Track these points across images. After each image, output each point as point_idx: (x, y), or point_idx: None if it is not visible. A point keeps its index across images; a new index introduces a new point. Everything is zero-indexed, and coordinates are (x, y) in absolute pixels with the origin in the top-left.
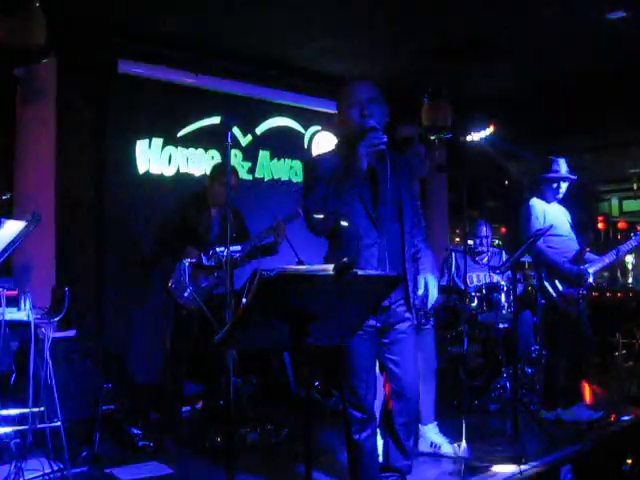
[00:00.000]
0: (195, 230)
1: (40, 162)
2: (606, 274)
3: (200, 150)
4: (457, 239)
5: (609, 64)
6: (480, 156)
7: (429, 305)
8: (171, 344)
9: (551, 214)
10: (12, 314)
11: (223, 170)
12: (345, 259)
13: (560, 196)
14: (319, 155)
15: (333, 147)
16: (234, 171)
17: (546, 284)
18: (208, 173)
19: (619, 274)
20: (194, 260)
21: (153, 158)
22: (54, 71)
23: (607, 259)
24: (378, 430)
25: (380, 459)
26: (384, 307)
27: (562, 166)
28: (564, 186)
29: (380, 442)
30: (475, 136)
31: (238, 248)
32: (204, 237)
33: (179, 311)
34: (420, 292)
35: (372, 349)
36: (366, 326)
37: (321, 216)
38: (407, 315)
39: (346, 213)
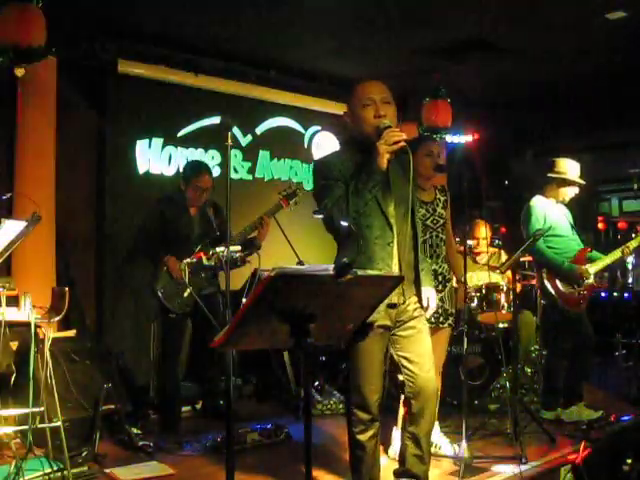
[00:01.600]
0: (176, 232)
1: (40, 162)
2: (606, 274)
3: (200, 150)
4: (457, 239)
5: (609, 64)
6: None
7: (427, 316)
8: (162, 347)
9: (552, 214)
10: (12, 314)
11: (196, 172)
12: (345, 259)
13: (567, 199)
14: (329, 156)
15: (340, 147)
16: (208, 171)
17: (546, 284)
18: (181, 172)
19: (619, 274)
20: (194, 260)
21: (153, 158)
22: (54, 71)
23: (608, 259)
24: (398, 433)
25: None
26: (396, 304)
27: (573, 169)
28: (572, 190)
29: (397, 445)
30: (475, 136)
31: (238, 248)
32: (185, 239)
33: (167, 315)
34: (425, 304)
35: (381, 350)
36: (376, 326)
37: (321, 215)
38: (418, 312)
39: (366, 212)
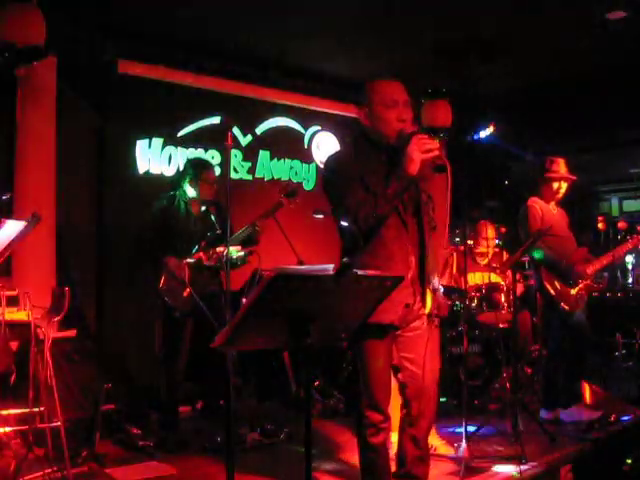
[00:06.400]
0: (179, 230)
1: (40, 162)
2: (605, 274)
3: (200, 150)
4: (457, 239)
5: (609, 64)
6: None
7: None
8: (163, 346)
9: (549, 214)
10: (12, 314)
11: (205, 167)
12: (345, 259)
13: (560, 197)
14: (343, 154)
15: (351, 143)
16: (212, 167)
17: (545, 284)
18: (187, 170)
19: (619, 274)
20: (195, 260)
21: (153, 158)
22: (54, 71)
23: (604, 260)
24: (395, 434)
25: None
26: (405, 305)
27: (561, 166)
28: (564, 186)
29: (394, 446)
30: (475, 136)
31: (238, 248)
32: (188, 237)
33: (171, 313)
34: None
35: (389, 351)
36: (385, 326)
37: (321, 215)
38: (422, 312)
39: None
